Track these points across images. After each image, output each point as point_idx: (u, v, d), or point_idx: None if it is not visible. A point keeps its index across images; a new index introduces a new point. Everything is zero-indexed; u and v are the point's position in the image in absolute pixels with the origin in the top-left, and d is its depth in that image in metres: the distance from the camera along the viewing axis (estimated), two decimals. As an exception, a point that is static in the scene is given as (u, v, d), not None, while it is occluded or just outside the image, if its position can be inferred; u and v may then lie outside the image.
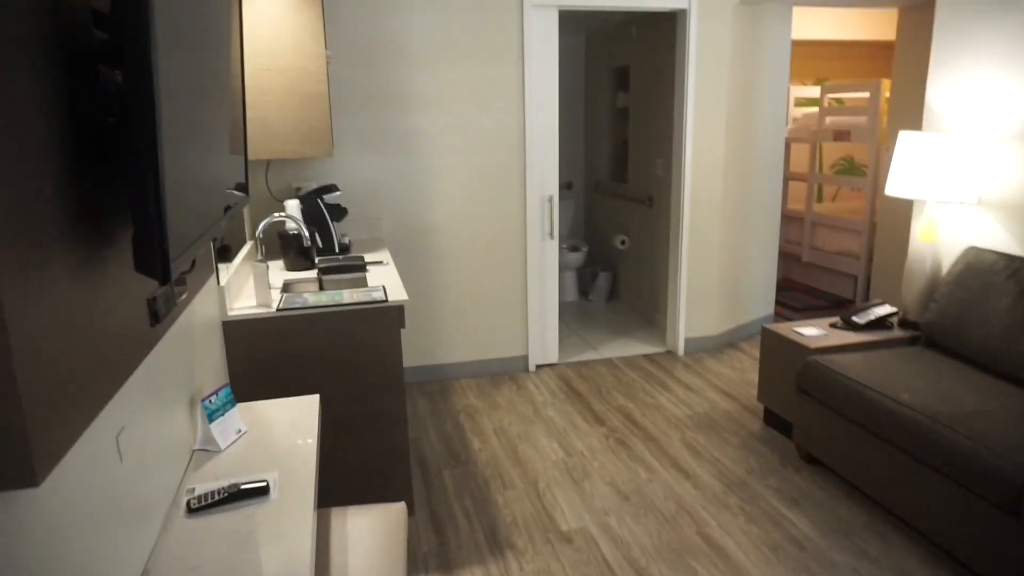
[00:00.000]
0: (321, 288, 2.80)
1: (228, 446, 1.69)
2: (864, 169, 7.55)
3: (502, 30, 3.68)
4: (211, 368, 2.03)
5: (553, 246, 4.04)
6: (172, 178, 1.10)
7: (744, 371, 4.11)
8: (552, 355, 4.22)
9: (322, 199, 3.22)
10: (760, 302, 4.80)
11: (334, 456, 2.48)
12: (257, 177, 3.51)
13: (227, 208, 1.63)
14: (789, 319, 5.07)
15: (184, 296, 1.67)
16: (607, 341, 4.66)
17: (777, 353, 3.21)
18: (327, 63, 3.36)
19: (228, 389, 1.75)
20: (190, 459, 1.64)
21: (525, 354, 4.13)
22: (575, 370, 4.16)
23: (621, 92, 5.47)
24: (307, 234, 2.60)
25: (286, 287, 2.73)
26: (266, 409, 1.89)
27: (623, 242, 5.33)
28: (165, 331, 1.51)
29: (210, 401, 1.68)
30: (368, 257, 3.20)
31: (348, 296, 2.44)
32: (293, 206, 2.95)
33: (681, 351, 4.39)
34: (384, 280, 2.72)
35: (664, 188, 4.71)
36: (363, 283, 2.77)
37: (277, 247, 3.16)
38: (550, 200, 3.96)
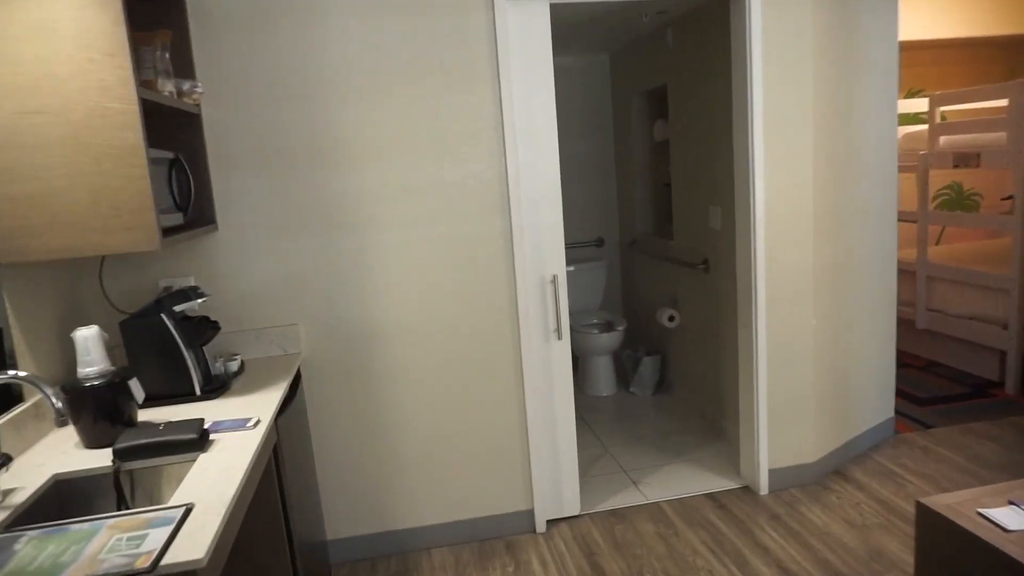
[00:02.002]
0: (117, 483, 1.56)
1: None
2: (976, 199, 5.98)
3: (464, 38, 2.47)
4: None
5: (562, 348, 2.73)
6: None
7: (867, 529, 2.66)
8: (571, 504, 2.87)
9: (172, 313, 2.02)
10: (875, 402, 3.35)
11: None
12: (87, 279, 2.34)
13: None
14: (915, 420, 3.58)
15: None
16: (655, 467, 3.28)
17: (951, 552, 1.79)
18: (196, 99, 2.19)
19: None
20: None
21: (529, 508, 2.80)
22: (606, 528, 2.79)
23: (659, 121, 4.18)
24: (53, 399, 1.40)
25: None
26: None
27: (672, 318, 3.97)
28: None
29: None
30: (250, 403, 1.97)
31: (79, 568, 1.18)
32: (87, 338, 1.74)
33: (764, 488, 2.97)
34: (212, 482, 1.47)
35: (725, 246, 3.35)
36: (174, 480, 1.53)
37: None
38: (554, 282, 2.67)
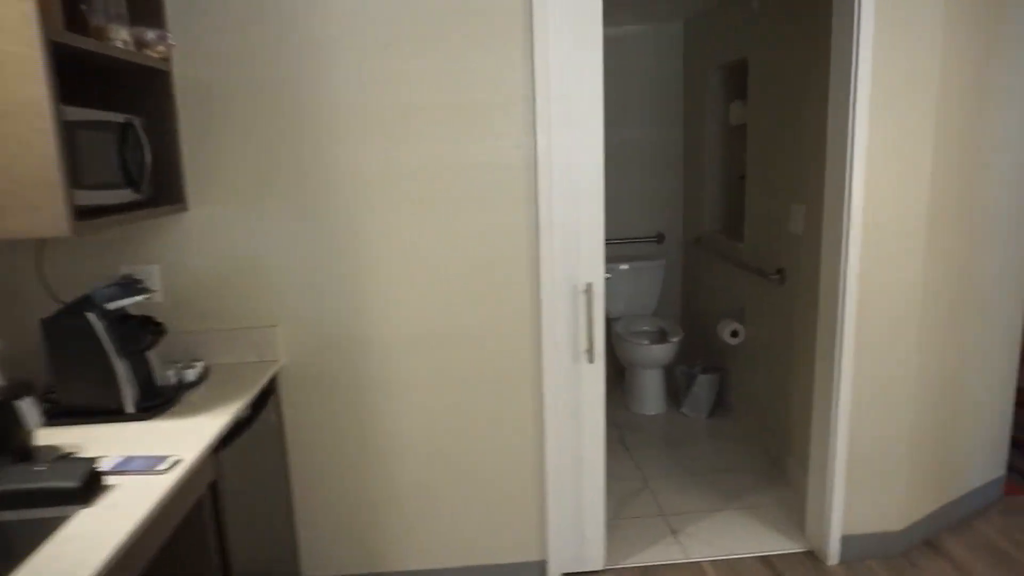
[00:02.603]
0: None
1: None
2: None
3: (492, -14, 1.99)
4: None
5: (595, 374, 2.24)
6: None
7: (968, 629, 2.09)
8: (594, 556, 2.40)
9: (103, 311, 1.66)
10: (984, 457, 2.72)
11: None
12: (22, 262, 2.01)
13: None
14: (1031, 479, 2.93)
15: None
16: (701, 514, 2.77)
17: None
18: (164, 52, 1.81)
19: None
20: None
21: (542, 559, 2.35)
22: (634, 590, 2.32)
23: (736, 102, 3.59)
24: None
25: None
26: None
27: (735, 334, 3.41)
28: None
29: None
30: (193, 427, 1.59)
31: None
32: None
33: (834, 557, 2.42)
34: (69, 563, 1.08)
35: (806, 255, 2.78)
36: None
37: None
38: (588, 292, 2.18)
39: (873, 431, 2.36)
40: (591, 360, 2.21)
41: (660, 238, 4.33)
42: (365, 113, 2.02)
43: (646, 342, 3.66)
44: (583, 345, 2.22)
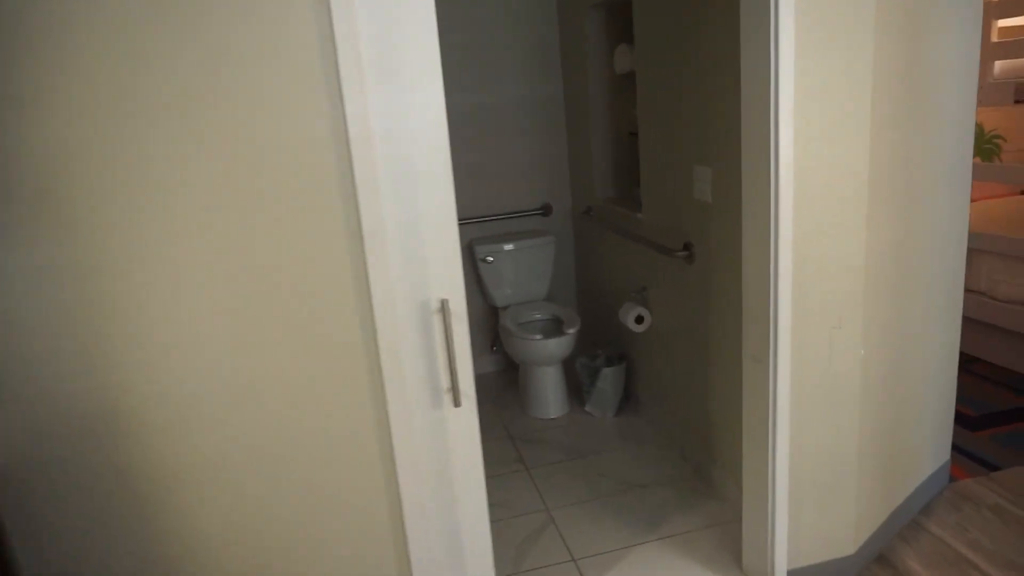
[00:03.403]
0: None
1: None
2: (997, 143, 4.98)
3: None
4: None
5: (465, 419, 1.64)
6: None
7: None
8: (491, 643, 1.83)
9: None
10: (930, 445, 2.36)
11: None
12: None
13: None
14: (972, 457, 2.62)
15: None
16: (618, 555, 2.26)
17: None
18: None
19: None
20: None
21: (421, 665, 1.75)
22: None
23: (621, 46, 3.04)
24: None
25: None
26: None
27: (640, 319, 2.91)
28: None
29: None
30: None
31: None
32: None
33: (781, 595, 1.98)
34: None
35: (719, 227, 2.28)
36: None
37: None
38: (443, 311, 1.55)
39: (817, 439, 1.91)
40: (456, 402, 1.61)
41: (546, 210, 3.76)
42: (90, 78, 1.27)
43: (539, 336, 3.11)
44: (444, 382, 1.61)
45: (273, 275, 1.42)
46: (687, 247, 2.49)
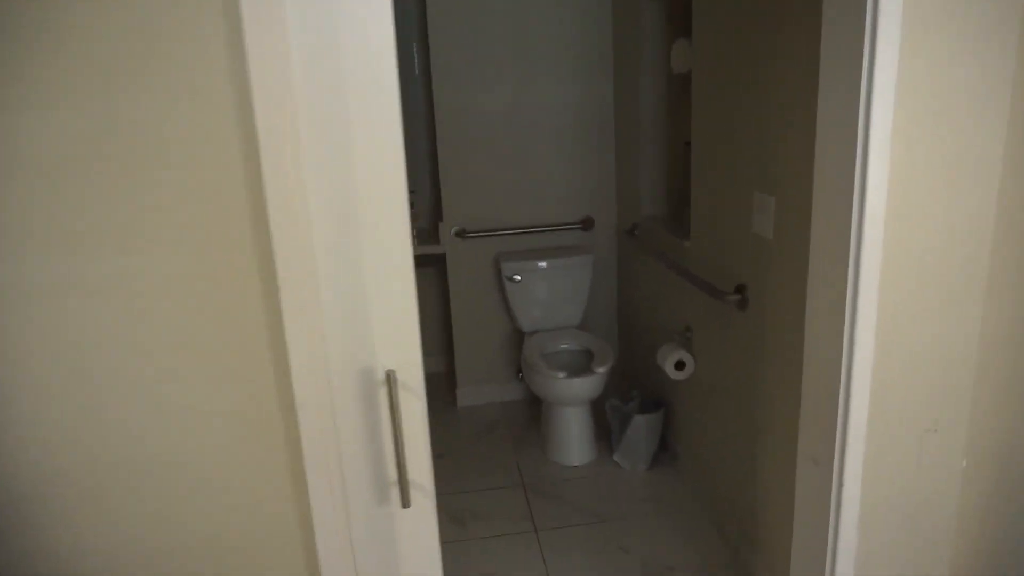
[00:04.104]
0: None
1: None
2: None
3: None
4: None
5: (420, 520, 1.26)
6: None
7: None
8: None
9: None
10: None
11: None
12: None
13: None
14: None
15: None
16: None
17: None
18: None
19: None
20: None
21: None
22: None
23: (680, 41, 2.59)
24: None
25: None
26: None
27: (681, 365, 2.47)
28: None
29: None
30: None
31: None
32: None
33: None
34: None
35: (781, 271, 1.82)
36: None
37: None
38: (390, 382, 1.18)
39: (893, 572, 1.44)
40: (404, 502, 1.23)
41: (587, 224, 3.34)
42: None
43: (562, 373, 2.70)
44: (390, 474, 1.23)
45: (153, 332, 1.07)
46: (739, 290, 2.04)
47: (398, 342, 1.20)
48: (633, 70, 2.91)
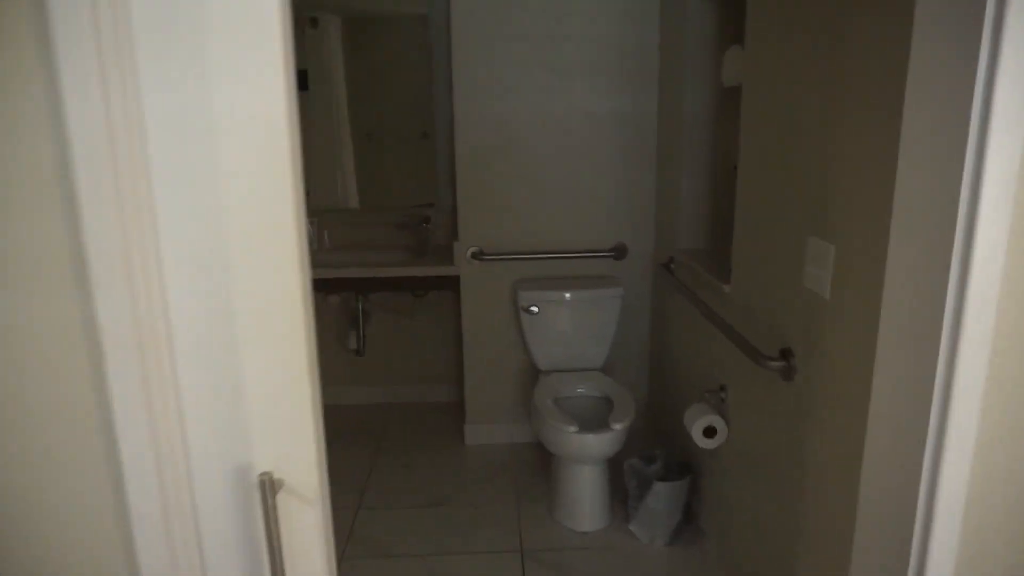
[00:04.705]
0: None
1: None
2: None
3: None
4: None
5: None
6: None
7: None
8: None
9: None
10: None
11: None
12: None
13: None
14: None
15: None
16: None
17: None
18: None
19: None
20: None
21: None
22: None
23: (733, 48, 2.20)
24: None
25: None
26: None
27: (711, 433, 2.08)
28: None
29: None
30: None
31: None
32: None
33: None
34: None
35: (839, 339, 1.42)
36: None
37: None
38: (266, 490, 0.85)
39: None
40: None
41: (620, 252, 2.97)
42: None
43: (574, 428, 2.33)
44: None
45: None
46: (784, 355, 1.64)
47: (282, 434, 0.88)
48: (680, 80, 2.54)
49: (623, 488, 2.56)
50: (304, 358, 0.87)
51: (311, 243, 3.24)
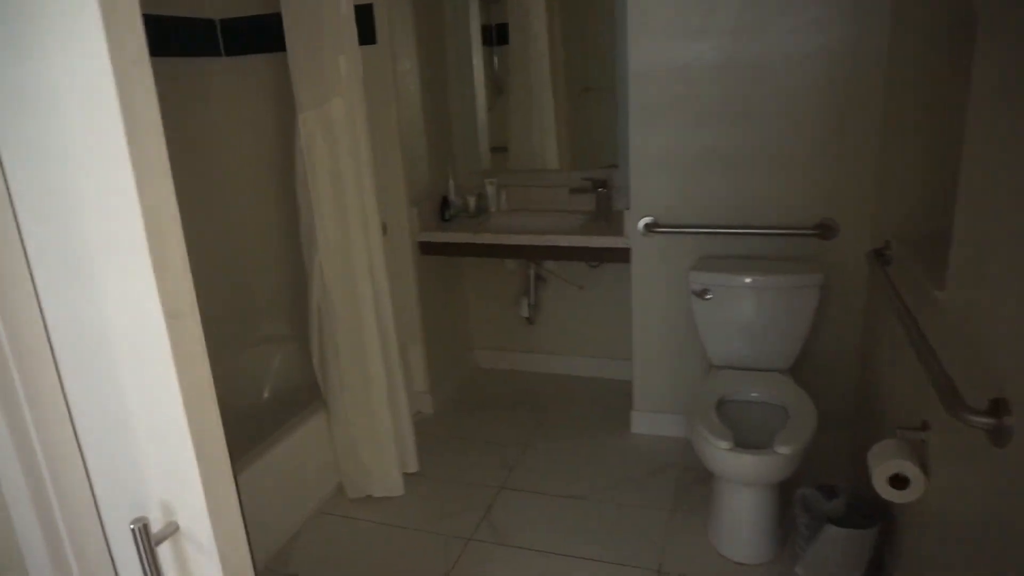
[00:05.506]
0: None
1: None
2: None
3: None
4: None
5: None
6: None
7: None
8: None
9: None
10: None
11: None
12: None
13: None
14: None
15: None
16: None
17: None
18: None
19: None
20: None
21: None
22: None
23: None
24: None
25: None
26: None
27: (900, 482, 1.57)
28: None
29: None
30: None
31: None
32: None
33: None
34: None
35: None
36: None
37: None
38: (135, 534, 0.73)
39: None
40: None
41: (826, 231, 2.41)
42: None
43: (727, 444, 1.94)
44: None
45: None
46: (997, 409, 1.12)
47: (174, 475, 0.75)
48: (916, 7, 1.91)
49: (790, 517, 2.11)
50: (203, 384, 0.72)
51: (486, 205, 3.15)
